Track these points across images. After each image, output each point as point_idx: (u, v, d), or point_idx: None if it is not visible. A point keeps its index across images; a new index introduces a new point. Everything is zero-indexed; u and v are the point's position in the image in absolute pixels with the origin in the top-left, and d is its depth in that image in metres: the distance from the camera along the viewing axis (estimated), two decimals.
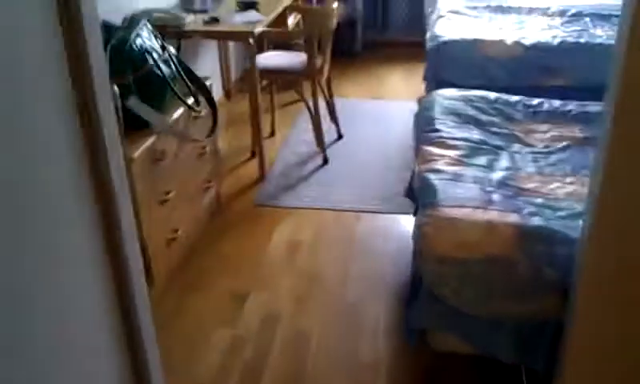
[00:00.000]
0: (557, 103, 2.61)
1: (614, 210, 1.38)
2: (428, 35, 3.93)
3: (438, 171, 2.07)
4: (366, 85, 5.02)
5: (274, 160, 3.81)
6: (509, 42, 3.47)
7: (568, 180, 2.06)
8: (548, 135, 2.39)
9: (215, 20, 3.39)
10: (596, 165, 1.40)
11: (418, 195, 2.09)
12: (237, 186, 3.55)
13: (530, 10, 4.10)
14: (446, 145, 2.25)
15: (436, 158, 2.15)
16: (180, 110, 2.68)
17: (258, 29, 3.32)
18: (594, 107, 2.55)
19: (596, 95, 3.23)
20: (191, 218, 2.95)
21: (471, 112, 2.51)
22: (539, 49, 3.43)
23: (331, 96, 4.01)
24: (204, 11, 3.55)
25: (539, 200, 1.93)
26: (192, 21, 3.35)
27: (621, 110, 1.29)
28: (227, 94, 4.76)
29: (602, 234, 1.42)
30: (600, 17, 3.92)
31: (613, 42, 3.49)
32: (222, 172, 3.52)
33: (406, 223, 3.04)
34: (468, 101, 2.61)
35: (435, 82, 3.52)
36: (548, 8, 4.11)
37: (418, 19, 5.54)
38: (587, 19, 3.89)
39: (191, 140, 2.79)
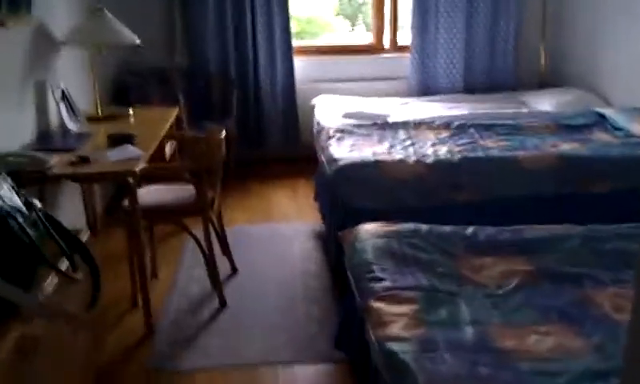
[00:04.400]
0: (491, 230, 2.44)
1: None
2: (323, 157, 3.70)
3: (400, 339, 1.73)
4: (253, 208, 4.65)
5: (161, 308, 3.27)
6: (410, 161, 3.33)
7: (543, 329, 1.82)
8: (496, 271, 2.17)
9: (85, 159, 2.88)
10: None
11: (386, 375, 1.71)
12: (120, 347, 2.95)
13: (416, 125, 4.05)
14: (395, 298, 1.93)
15: (390, 318, 1.82)
16: (50, 278, 2.12)
17: (139, 166, 2.87)
18: (530, 233, 2.40)
19: (503, 209, 3.20)
20: None
21: (408, 251, 2.25)
22: (442, 167, 3.32)
23: (222, 229, 3.59)
24: (68, 150, 3.03)
25: (526, 366, 1.64)
26: (56, 162, 2.81)
27: None
28: (93, 230, 4.15)
29: None
30: (484, 127, 3.96)
31: (506, 153, 3.48)
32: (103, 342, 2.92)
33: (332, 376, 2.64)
34: (400, 237, 2.34)
35: (340, 207, 3.26)
36: (433, 121, 4.09)
37: (293, 134, 5.38)
38: (472, 130, 3.91)
39: (69, 317, 2.22)
